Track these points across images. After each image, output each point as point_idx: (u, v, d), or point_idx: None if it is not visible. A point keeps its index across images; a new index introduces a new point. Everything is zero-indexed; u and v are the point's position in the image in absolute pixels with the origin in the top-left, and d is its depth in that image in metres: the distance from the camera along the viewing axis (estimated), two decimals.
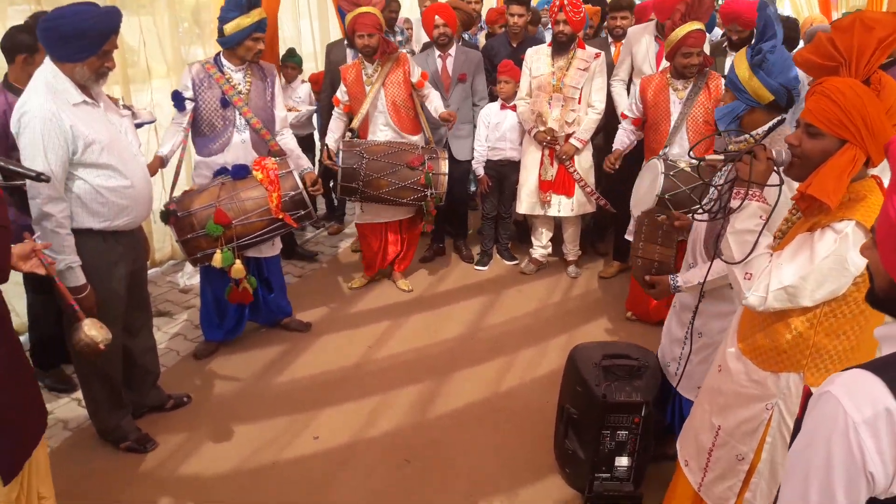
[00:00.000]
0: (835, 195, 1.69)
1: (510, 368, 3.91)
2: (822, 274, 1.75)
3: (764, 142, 2.16)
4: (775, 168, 1.90)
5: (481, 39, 5.89)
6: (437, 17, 4.70)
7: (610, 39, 5.11)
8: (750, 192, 1.92)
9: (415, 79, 4.43)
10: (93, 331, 2.29)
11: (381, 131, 4.47)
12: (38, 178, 2.14)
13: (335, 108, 4.58)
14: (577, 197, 4.79)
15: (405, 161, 4.25)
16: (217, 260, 3.46)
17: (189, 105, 3.61)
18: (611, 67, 4.79)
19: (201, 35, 5.32)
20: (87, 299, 2.69)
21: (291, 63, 5.46)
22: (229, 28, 3.49)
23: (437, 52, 4.84)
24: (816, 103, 1.74)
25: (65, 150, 2.59)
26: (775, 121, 2.34)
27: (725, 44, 4.58)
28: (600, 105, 4.62)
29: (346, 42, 5.01)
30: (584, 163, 4.75)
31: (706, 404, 2.20)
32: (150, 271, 4.72)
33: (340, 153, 4.24)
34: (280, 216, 3.57)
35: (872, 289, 1.20)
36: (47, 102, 2.56)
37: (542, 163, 4.75)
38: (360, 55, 4.41)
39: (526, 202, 4.88)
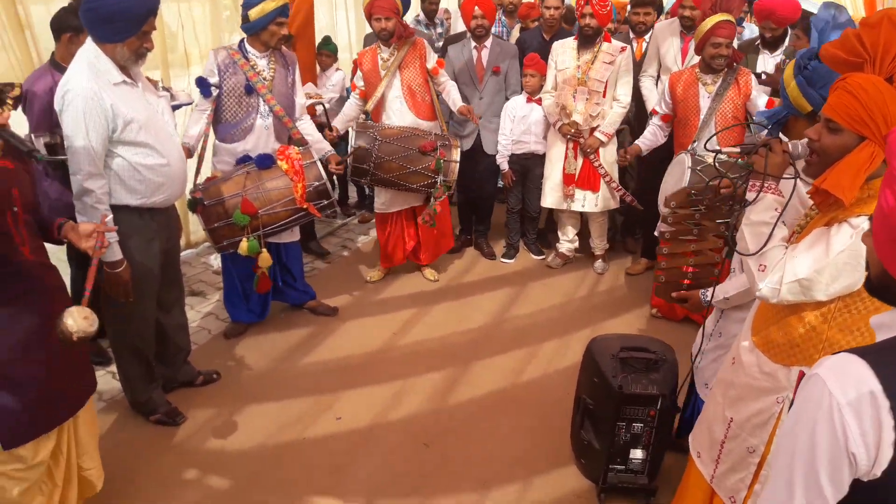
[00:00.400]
0: (850, 191, 1.69)
1: (532, 360, 3.95)
2: (837, 268, 1.75)
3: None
4: (791, 161, 1.90)
5: (515, 33, 5.90)
6: (476, 7, 4.70)
7: (632, 35, 5.08)
8: (766, 185, 1.93)
9: (430, 65, 4.46)
10: (70, 320, 2.17)
11: (396, 115, 4.48)
12: (30, 154, 2.16)
13: (352, 94, 4.61)
14: (603, 192, 4.77)
15: (417, 146, 4.26)
16: (243, 248, 3.53)
17: (214, 91, 3.67)
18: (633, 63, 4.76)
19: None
20: (123, 274, 2.78)
21: (326, 51, 5.53)
22: (254, 13, 3.55)
23: (473, 44, 4.86)
24: (838, 99, 1.74)
25: (105, 128, 2.69)
26: None
27: (758, 42, 4.53)
28: (626, 99, 4.60)
29: None
30: (608, 157, 4.74)
31: (719, 397, 2.22)
32: (184, 252, 4.90)
33: (353, 134, 4.27)
34: (304, 206, 3.63)
35: (869, 276, 1.22)
36: (89, 82, 2.65)
37: (566, 156, 4.74)
38: (377, 40, 4.44)
39: (551, 196, 4.89)
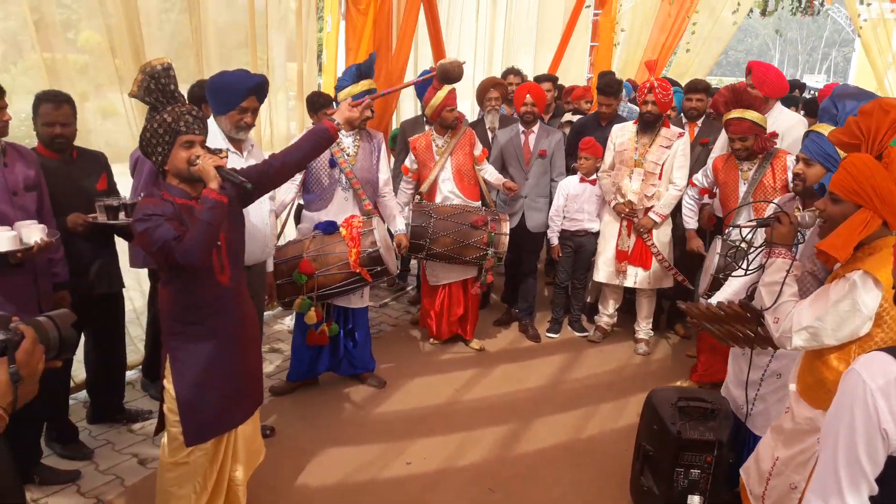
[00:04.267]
0: (843, 250, 2.04)
1: (591, 419, 4.16)
2: (839, 315, 2.06)
3: None
4: (797, 230, 2.27)
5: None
6: (527, 95, 5.10)
7: (684, 120, 5.39)
8: (775, 251, 2.30)
9: (477, 152, 4.91)
10: None
11: (447, 196, 4.87)
12: (243, 185, 2.53)
13: (404, 177, 5.01)
14: (654, 270, 4.93)
15: (470, 221, 4.63)
16: (296, 305, 3.88)
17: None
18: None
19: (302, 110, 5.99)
20: None
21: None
22: (342, 95, 4.01)
23: (521, 128, 5.20)
24: (838, 175, 2.13)
25: None
26: None
27: None
28: (681, 182, 4.77)
29: (424, 118, 5.42)
30: (662, 237, 4.91)
31: (771, 440, 2.45)
32: (266, 313, 5.28)
33: (410, 213, 4.66)
34: (357, 270, 3.90)
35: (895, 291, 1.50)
36: None
37: (620, 234, 4.97)
38: (431, 127, 4.91)
39: (603, 271, 5.08)
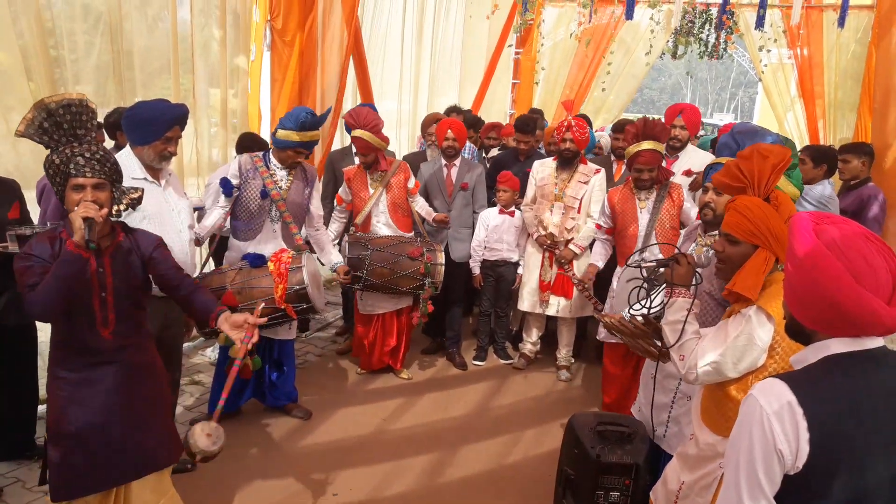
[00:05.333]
0: (755, 289, 2.21)
1: (515, 444, 4.25)
2: (738, 349, 2.22)
3: None
4: (696, 270, 2.42)
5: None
6: (449, 130, 5.23)
7: (613, 158, 5.69)
8: (675, 290, 2.44)
9: (411, 185, 5.00)
10: (192, 439, 2.54)
11: (381, 228, 4.94)
12: (88, 243, 2.32)
13: (337, 207, 5.05)
14: (575, 300, 5.13)
15: (406, 252, 4.69)
16: (221, 338, 3.72)
17: (235, 192, 4.04)
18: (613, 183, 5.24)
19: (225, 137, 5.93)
20: None
21: None
22: (280, 135, 3.99)
23: (444, 162, 5.35)
24: (731, 217, 2.31)
25: None
26: None
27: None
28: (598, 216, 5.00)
29: (353, 150, 5.44)
30: (582, 267, 5.07)
31: (677, 464, 2.59)
32: (185, 345, 5.14)
33: (347, 245, 4.67)
34: (283, 306, 3.82)
35: (786, 322, 1.64)
36: None
37: (542, 265, 5.17)
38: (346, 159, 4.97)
39: (527, 300, 5.26)
